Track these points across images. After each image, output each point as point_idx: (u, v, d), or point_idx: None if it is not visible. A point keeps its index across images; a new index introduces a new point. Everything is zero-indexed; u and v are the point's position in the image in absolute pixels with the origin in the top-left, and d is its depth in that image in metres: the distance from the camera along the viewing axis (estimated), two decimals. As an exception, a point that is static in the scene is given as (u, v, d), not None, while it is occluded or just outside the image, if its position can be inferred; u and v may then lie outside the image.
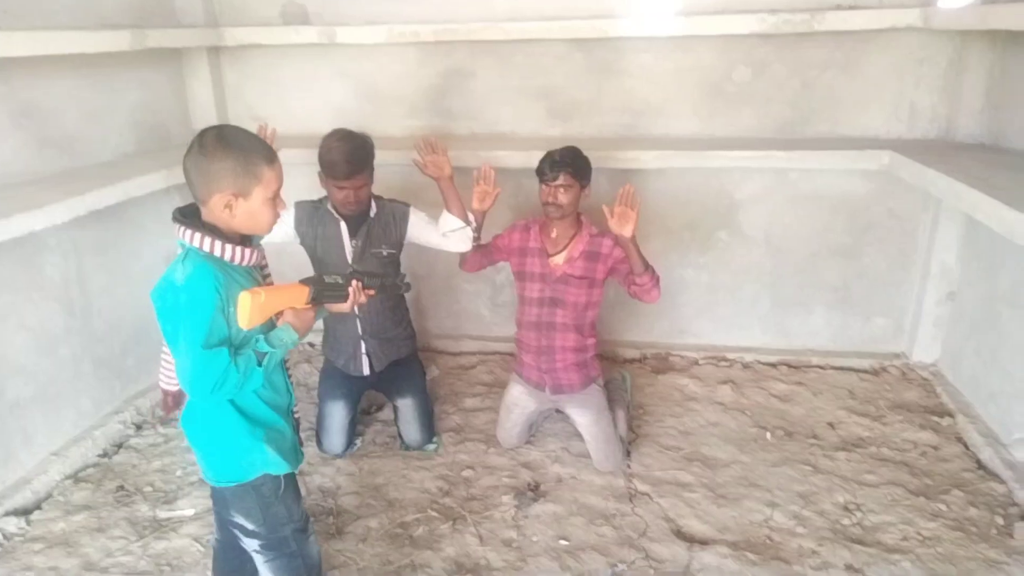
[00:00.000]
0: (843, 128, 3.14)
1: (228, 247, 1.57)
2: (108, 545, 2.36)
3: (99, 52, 2.66)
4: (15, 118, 2.57)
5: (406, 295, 2.90)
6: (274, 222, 1.64)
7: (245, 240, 1.64)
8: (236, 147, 1.55)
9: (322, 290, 1.69)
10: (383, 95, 3.43)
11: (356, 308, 2.62)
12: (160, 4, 3.25)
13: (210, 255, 1.56)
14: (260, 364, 1.59)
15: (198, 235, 1.55)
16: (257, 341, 1.60)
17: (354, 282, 1.75)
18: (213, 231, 1.56)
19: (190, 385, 1.54)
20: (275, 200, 1.61)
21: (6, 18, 2.50)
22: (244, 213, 1.57)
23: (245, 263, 1.62)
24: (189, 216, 1.59)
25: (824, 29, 2.81)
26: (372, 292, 1.82)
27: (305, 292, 1.65)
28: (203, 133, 1.56)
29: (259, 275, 1.72)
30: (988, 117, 2.88)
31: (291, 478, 1.82)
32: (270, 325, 1.64)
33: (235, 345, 1.58)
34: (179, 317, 1.52)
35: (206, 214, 1.59)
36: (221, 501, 1.81)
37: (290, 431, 1.81)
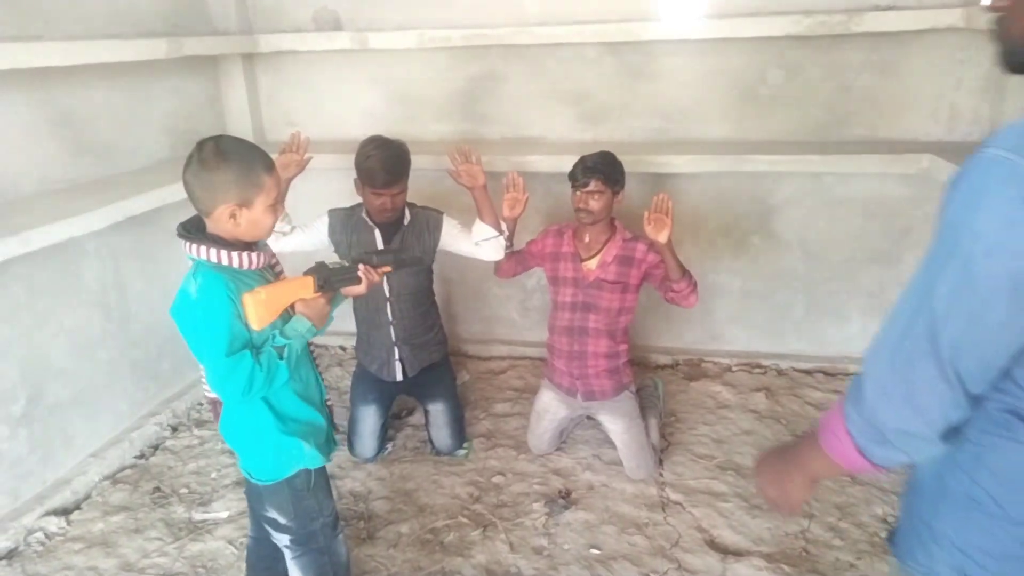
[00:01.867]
0: (880, 131, 3.07)
1: (235, 255, 1.60)
2: (145, 546, 2.40)
3: (136, 61, 2.70)
4: (53, 126, 2.62)
5: (437, 300, 2.91)
6: (274, 226, 1.66)
7: (249, 245, 1.66)
8: (236, 158, 1.56)
9: (328, 276, 1.70)
10: (415, 100, 3.44)
11: (390, 314, 2.67)
12: (195, 11, 3.30)
13: (219, 265, 1.58)
14: (281, 358, 1.62)
15: (204, 247, 1.57)
16: (274, 337, 1.64)
17: (360, 265, 1.75)
18: (218, 242, 1.59)
19: (221, 391, 1.59)
20: (275, 206, 1.63)
21: (47, 27, 2.56)
22: (248, 222, 1.59)
23: (254, 267, 1.65)
24: (193, 230, 1.61)
25: (861, 31, 2.75)
26: (388, 268, 1.83)
27: (310, 281, 1.67)
28: (201, 145, 1.57)
29: (271, 275, 1.74)
30: (1033, 119, 2.80)
31: (322, 472, 1.84)
32: (287, 320, 1.67)
33: (256, 346, 1.61)
34: (199, 330, 1.56)
35: (211, 226, 1.60)
36: (256, 496, 1.84)
37: (324, 423, 1.84)
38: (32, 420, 2.54)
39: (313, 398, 1.80)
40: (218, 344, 1.54)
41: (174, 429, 3.07)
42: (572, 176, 2.50)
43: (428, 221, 2.67)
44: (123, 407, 2.96)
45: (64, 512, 2.55)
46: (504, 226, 2.60)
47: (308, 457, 1.76)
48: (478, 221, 2.58)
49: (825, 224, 3.22)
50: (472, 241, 2.61)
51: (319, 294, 1.69)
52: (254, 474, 1.76)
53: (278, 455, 1.74)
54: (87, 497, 2.65)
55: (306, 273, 1.69)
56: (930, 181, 2.87)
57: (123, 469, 2.80)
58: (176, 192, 2.75)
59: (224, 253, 1.58)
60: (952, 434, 0.94)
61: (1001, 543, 0.98)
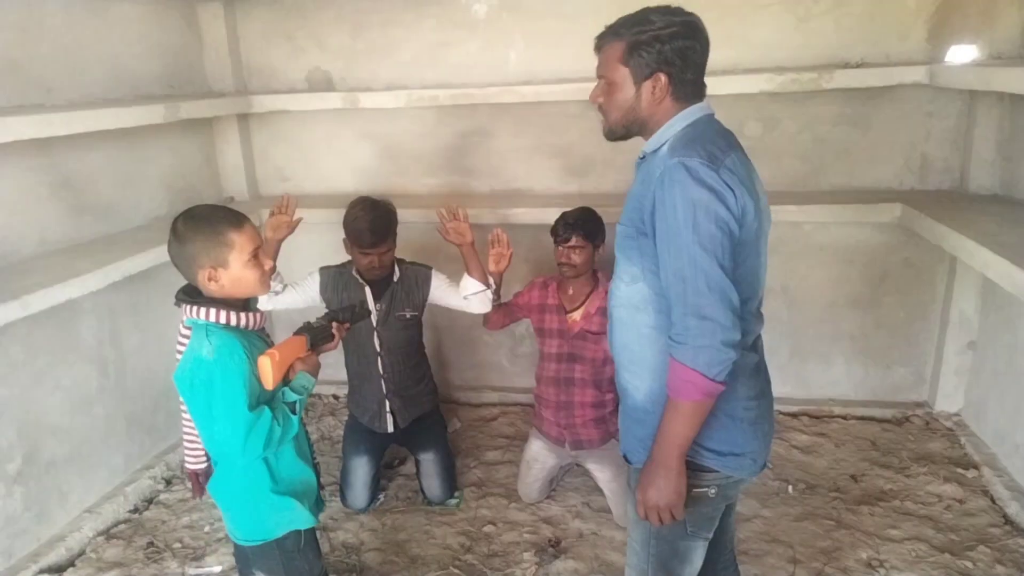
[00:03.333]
0: (856, 180, 3.18)
1: (243, 315, 1.67)
2: (138, 604, 2.42)
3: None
4: (55, 189, 2.71)
5: (428, 347, 2.98)
6: (263, 279, 1.70)
7: (246, 305, 1.73)
8: (202, 223, 1.64)
9: (316, 336, 1.82)
10: (404, 155, 3.54)
11: (381, 368, 2.73)
12: (192, 73, 3.41)
13: (227, 325, 1.65)
14: (295, 412, 1.70)
15: (212, 310, 1.64)
16: (283, 393, 1.70)
17: (334, 324, 1.88)
18: (223, 303, 1.66)
19: (243, 449, 1.62)
20: (256, 260, 1.68)
21: (49, 96, 2.66)
22: (230, 281, 1.65)
23: (254, 327, 1.72)
24: (193, 294, 1.68)
25: (832, 87, 2.87)
26: (348, 325, 1.94)
27: (303, 341, 1.77)
28: (175, 221, 1.66)
29: (265, 336, 1.81)
30: (1000, 169, 2.91)
31: (311, 532, 1.88)
32: (284, 378, 1.73)
33: (263, 403, 1.67)
34: (215, 389, 1.60)
35: (203, 290, 1.68)
36: (243, 559, 1.87)
37: (315, 479, 1.88)
38: (27, 478, 2.57)
39: (306, 454, 1.86)
40: (238, 401, 1.60)
41: (168, 482, 3.10)
42: (554, 232, 2.58)
43: (417, 276, 2.74)
44: (118, 461, 2.99)
45: (58, 570, 2.57)
46: (491, 280, 2.67)
47: (300, 518, 1.80)
48: (466, 276, 2.66)
49: (806, 270, 3.30)
50: (460, 295, 2.68)
51: (311, 351, 1.79)
52: (243, 535, 1.80)
53: (270, 515, 1.78)
54: (81, 554, 2.66)
55: (298, 333, 1.79)
56: (904, 229, 2.96)
57: (117, 524, 2.82)
58: (172, 250, 2.84)
59: (233, 314, 1.65)
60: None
61: (704, 424, 1.48)
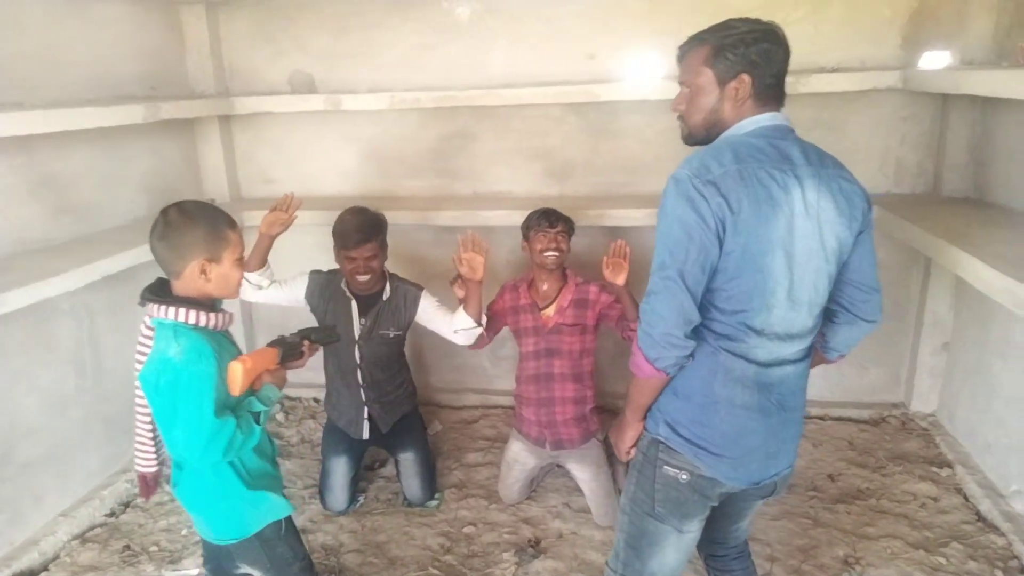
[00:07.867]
0: (832, 184, 3.22)
1: (212, 316, 1.67)
2: (113, 606, 2.39)
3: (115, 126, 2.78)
4: (34, 188, 2.68)
5: (409, 349, 2.97)
6: (240, 283, 1.74)
7: (214, 306, 1.72)
8: (201, 217, 1.66)
9: (287, 351, 1.83)
10: (387, 157, 3.54)
11: (360, 379, 2.72)
12: (174, 75, 3.40)
13: (196, 326, 1.63)
14: (258, 423, 1.69)
15: (182, 310, 1.62)
16: (250, 402, 1.70)
17: (306, 343, 1.90)
18: (193, 303, 1.64)
19: (202, 454, 1.61)
20: (241, 262, 1.73)
21: (29, 95, 2.64)
22: (217, 276, 1.67)
23: (222, 327, 1.71)
24: (160, 294, 1.67)
25: (808, 91, 2.91)
26: (318, 346, 1.95)
27: (275, 353, 1.79)
28: (165, 211, 1.66)
29: (232, 338, 1.80)
30: (973, 172, 2.96)
31: (290, 519, 1.89)
32: (250, 387, 1.73)
33: (226, 408, 1.66)
34: (181, 393, 1.58)
35: (180, 287, 1.67)
36: (225, 556, 1.86)
37: (280, 476, 1.90)
38: (2, 480, 2.54)
39: (268, 454, 1.86)
40: (205, 406, 1.58)
41: (146, 485, 3.07)
42: (537, 223, 2.62)
43: (407, 296, 2.73)
44: (94, 464, 2.96)
45: (31, 574, 2.53)
46: (484, 319, 2.63)
47: (277, 507, 1.81)
48: (461, 310, 2.58)
49: (784, 273, 3.33)
50: (450, 327, 2.62)
51: (280, 365, 1.80)
52: (221, 535, 1.79)
53: (247, 511, 1.78)
54: (55, 558, 2.63)
55: (271, 345, 1.81)
56: (879, 231, 2.99)
57: (93, 528, 2.79)
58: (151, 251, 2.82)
59: (203, 314, 1.64)
60: (694, 335, 1.50)
61: (679, 410, 1.62)
